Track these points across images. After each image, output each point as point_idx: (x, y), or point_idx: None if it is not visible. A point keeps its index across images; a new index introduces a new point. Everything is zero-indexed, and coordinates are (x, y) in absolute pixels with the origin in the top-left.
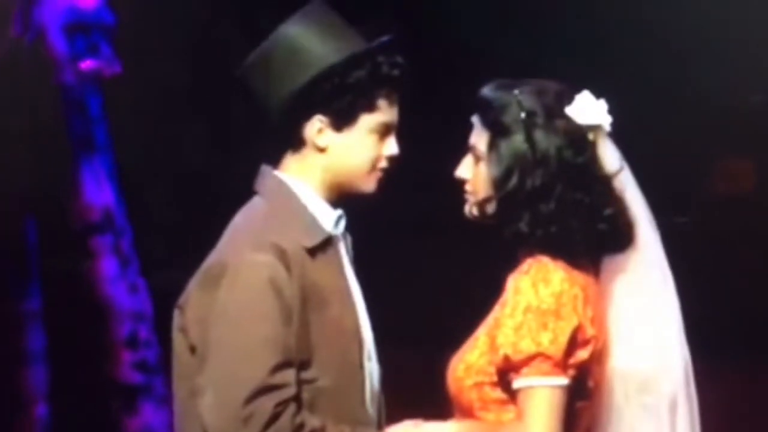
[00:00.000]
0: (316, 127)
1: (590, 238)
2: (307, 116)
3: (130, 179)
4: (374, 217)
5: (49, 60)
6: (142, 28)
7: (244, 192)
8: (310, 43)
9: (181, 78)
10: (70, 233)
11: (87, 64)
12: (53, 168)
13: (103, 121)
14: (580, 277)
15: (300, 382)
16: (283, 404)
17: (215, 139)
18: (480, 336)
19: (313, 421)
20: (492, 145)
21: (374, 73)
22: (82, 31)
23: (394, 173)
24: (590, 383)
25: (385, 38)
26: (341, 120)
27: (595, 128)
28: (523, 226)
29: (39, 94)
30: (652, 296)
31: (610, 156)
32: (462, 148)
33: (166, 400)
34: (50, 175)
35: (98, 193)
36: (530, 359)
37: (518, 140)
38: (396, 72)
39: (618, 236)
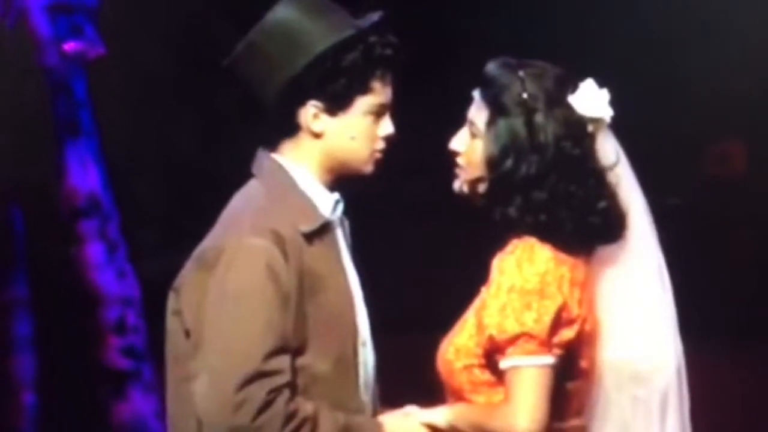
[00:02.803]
0: (311, 113)
1: (581, 230)
2: (302, 102)
3: (117, 163)
4: (368, 201)
5: (32, 42)
6: (127, 10)
7: (232, 176)
8: (302, 28)
9: (167, 61)
10: (57, 219)
11: (71, 46)
12: (38, 153)
13: (89, 105)
14: (568, 258)
15: (295, 369)
16: (276, 391)
17: (202, 123)
18: (468, 318)
19: (306, 407)
20: (491, 123)
21: (367, 55)
22: (64, 13)
23: (388, 157)
24: (581, 364)
25: (376, 17)
26: (336, 104)
27: (596, 120)
28: (512, 211)
29: (22, 78)
30: (646, 289)
31: (608, 148)
32: (456, 132)
33: (154, 386)
34: (35, 160)
35: (84, 178)
36: (515, 339)
37: (517, 122)
38: (389, 51)
39: (609, 229)
